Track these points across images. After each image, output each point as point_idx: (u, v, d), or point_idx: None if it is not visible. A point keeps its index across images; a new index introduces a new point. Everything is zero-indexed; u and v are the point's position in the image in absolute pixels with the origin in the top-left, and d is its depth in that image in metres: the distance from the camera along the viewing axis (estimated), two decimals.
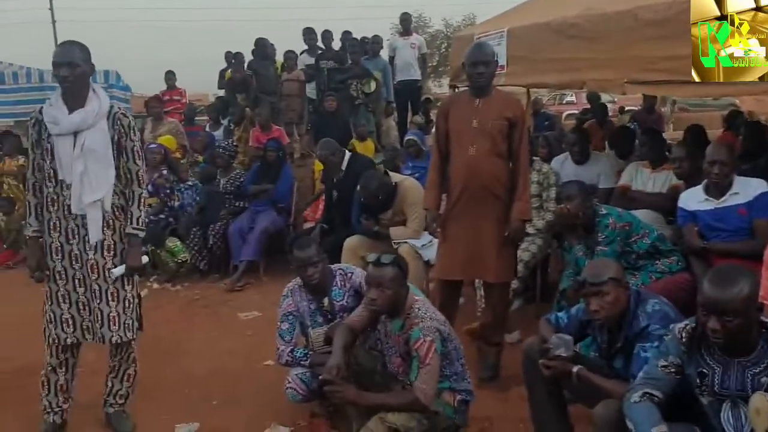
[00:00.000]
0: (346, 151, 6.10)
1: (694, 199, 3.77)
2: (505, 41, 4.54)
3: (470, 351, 3.71)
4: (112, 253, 3.28)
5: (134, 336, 3.40)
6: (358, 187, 5.08)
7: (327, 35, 9.35)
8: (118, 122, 3.23)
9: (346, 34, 9.44)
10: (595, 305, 2.66)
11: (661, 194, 4.41)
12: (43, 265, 3.31)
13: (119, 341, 3.34)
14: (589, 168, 5.18)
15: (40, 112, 3.23)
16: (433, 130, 4.56)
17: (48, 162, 3.21)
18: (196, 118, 10.12)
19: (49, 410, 3.43)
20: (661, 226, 4.06)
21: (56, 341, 3.32)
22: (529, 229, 4.66)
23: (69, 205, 3.20)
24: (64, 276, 3.28)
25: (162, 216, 6.96)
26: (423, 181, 5.82)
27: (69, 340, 3.32)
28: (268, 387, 3.92)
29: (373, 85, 8.31)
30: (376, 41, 9.09)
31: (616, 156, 5.76)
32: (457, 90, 5.20)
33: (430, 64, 29.73)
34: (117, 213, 3.29)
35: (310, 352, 3.47)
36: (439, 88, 30.18)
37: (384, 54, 9.25)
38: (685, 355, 2.35)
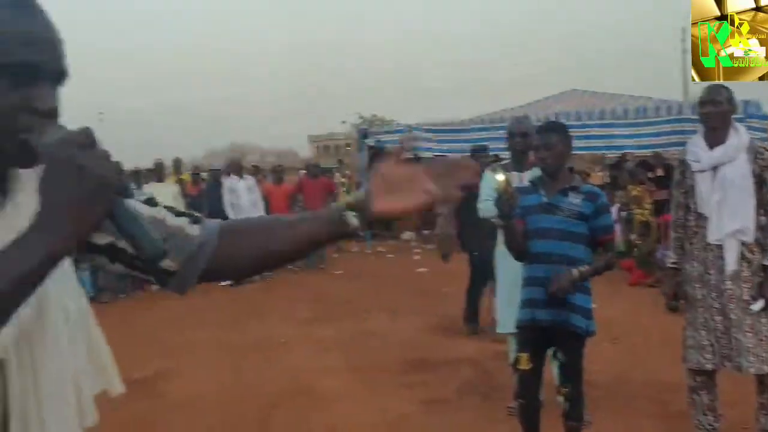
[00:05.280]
0: None
1: None
2: None
3: None
4: (749, 285, 3.28)
5: None
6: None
7: None
8: (760, 156, 3.26)
9: None
10: None
11: None
12: (680, 294, 3.49)
13: (755, 373, 3.30)
14: None
15: (684, 153, 3.42)
16: None
17: (690, 199, 3.39)
18: None
19: (701, 427, 3.54)
20: None
21: (696, 365, 3.42)
22: None
23: (707, 237, 3.32)
24: (702, 303, 3.37)
25: None
26: None
27: (708, 366, 3.38)
28: None
29: None
30: None
31: None
32: None
33: None
34: (753, 246, 3.28)
35: None
36: None
37: None
38: None
